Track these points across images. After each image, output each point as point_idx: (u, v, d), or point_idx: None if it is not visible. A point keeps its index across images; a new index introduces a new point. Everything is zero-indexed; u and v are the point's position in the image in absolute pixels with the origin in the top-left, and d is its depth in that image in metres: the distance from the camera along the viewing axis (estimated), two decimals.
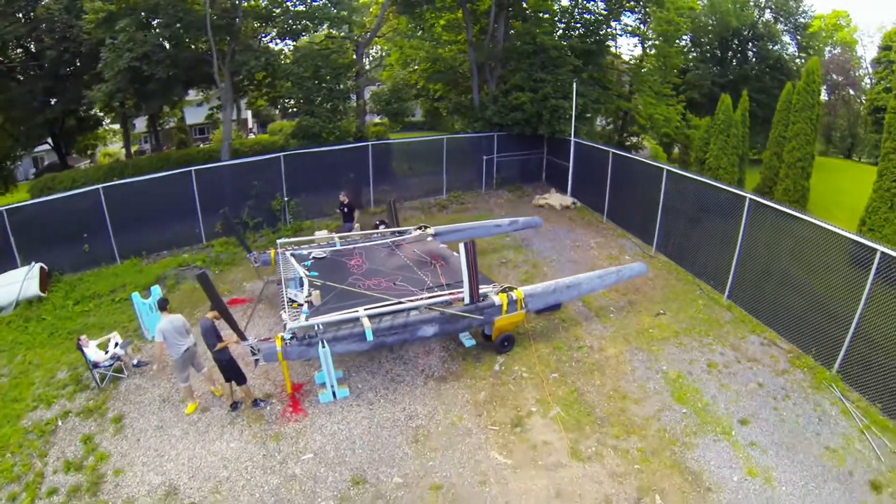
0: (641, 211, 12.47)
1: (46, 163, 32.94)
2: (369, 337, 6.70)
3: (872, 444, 6.21)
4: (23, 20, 18.12)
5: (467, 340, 8.18)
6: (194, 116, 34.06)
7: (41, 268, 11.13)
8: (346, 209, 11.91)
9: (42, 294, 10.78)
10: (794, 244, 8.41)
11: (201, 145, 31.20)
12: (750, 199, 8.95)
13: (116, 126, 29.71)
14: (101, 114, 22.51)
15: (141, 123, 32.10)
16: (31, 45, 18.96)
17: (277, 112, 35.66)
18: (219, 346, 6.49)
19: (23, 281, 10.70)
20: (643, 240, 12.51)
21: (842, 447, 6.18)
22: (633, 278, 9.45)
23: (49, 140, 23.40)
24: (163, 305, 6.93)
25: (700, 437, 6.30)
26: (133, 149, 28.21)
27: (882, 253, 6.72)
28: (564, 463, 5.95)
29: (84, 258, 12.09)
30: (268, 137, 27.10)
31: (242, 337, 6.50)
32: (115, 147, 35.40)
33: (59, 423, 7.09)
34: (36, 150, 27.68)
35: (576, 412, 6.76)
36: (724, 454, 6.06)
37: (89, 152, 30.50)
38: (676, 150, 26.39)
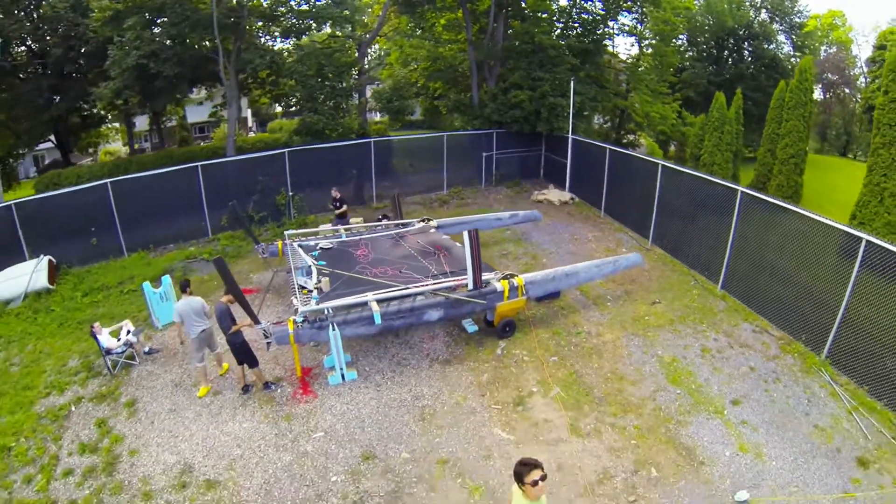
0: (638, 205, 12.74)
1: (47, 161, 33.10)
2: (377, 320, 6.99)
3: (860, 423, 6.46)
4: (26, 19, 18.32)
5: (470, 326, 8.47)
6: (195, 115, 34.27)
7: (49, 260, 11.32)
8: (338, 204, 12.20)
9: (50, 286, 10.96)
10: (784, 236, 8.70)
11: (202, 144, 31.44)
12: (742, 192, 9.23)
13: (117, 125, 29.96)
14: (104, 112, 22.70)
15: (141, 123, 32.30)
16: (37, 44, 19.14)
17: (280, 108, 35.89)
18: (233, 328, 6.74)
19: (31, 273, 10.87)
20: (640, 233, 12.80)
21: (830, 426, 6.44)
22: (630, 269, 9.74)
23: (52, 138, 23.59)
24: (184, 287, 7.20)
25: (693, 416, 6.59)
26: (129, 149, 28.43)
27: (867, 241, 6.99)
28: (565, 439, 6.23)
29: (92, 251, 12.31)
30: (268, 136, 27.33)
31: (256, 320, 6.76)
32: (116, 145, 35.62)
33: (73, 409, 7.27)
34: (37, 148, 27.84)
35: (575, 392, 7.05)
36: (717, 431, 6.34)
37: (91, 150, 30.67)
38: (673, 148, 26.77)
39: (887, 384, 6.74)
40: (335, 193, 12.32)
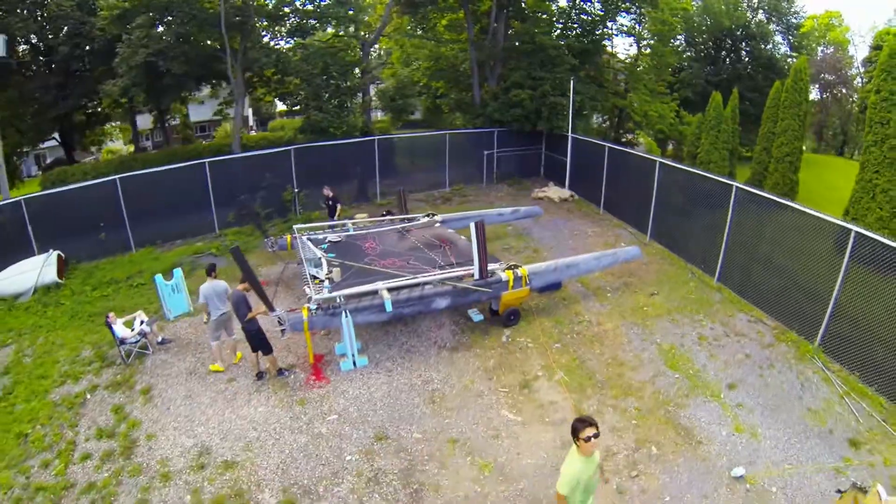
0: (636, 202, 12.99)
1: (49, 160, 33.20)
2: (388, 307, 7.26)
3: (851, 407, 6.73)
4: (32, 17, 18.46)
5: (475, 315, 8.77)
6: (197, 114, 34.49)
7: (58, 255, 11.46)
8: (330, 203, 12.01)
9: (60, 280, 11.09)
10: (777, 229, 8.99)
11: (203, 142, 31.62)
12: (736, 187, 9.53)
13: (117, 123, 30.08)
14: (109, 110, 22.86)
15: (143, 122, 32.47)
16: (43, 42, 19.30)
17: (282, 107, 36.12)
18: (249, 315, 6.99)
19: (41, 268, 11.00)
20: (638, 229, 13.09)
21: (823, 409, 6.71)
22: (629, 261, 10.03)
23: (56, 136, 23.72)
24: (209, 271, 7.55)
25: (691, 399, 6.88)
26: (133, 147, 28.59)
27: (856, 233, 7.25)
28: (569, 419, 6.37)
29: (100, 246, 12.45)
30: (272, 134, 27.56)
31: (271, 308, 7.01)
32: (117, 144, 35.80)
33: (88, 396, 7.43)
34: (40, 146, 27.92)
35: (578, 377, 7.35)
36: (714, 413, 6.62)
37: (93, 149, 30.82)
38: (671, 147, 27.10)
39: (878, 370, 7.00)
40: (327, 192, 11.96)
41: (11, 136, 20.93)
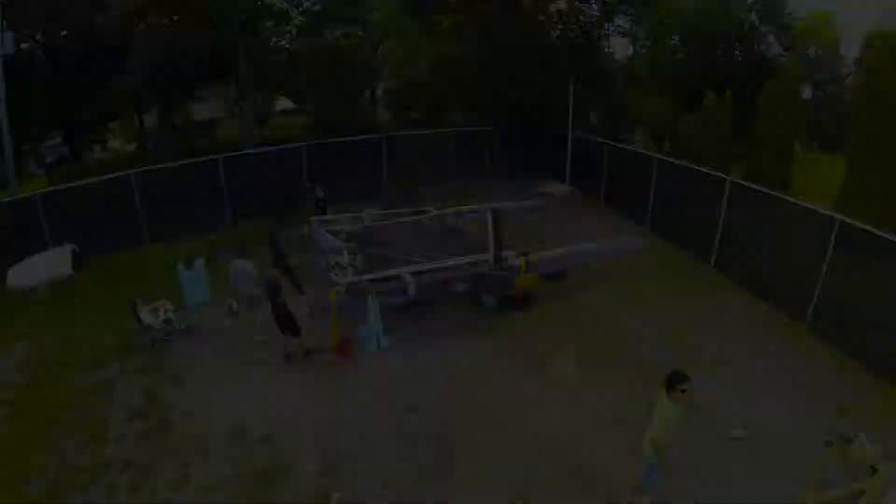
0: (635, 195, 13.54)
1: (49, 160, 33.00)
2: (412, 291, 7.74)
3: (840, 379, 7.29)
4: (41, 14, 18.59)
5: (489, 300, 9.24)
6: (197, 113, 34.55)
7: (73, 249, 11.69)
8: (324, 205, 12.22)
9: (74, 274, 11.32)
10: (767, 220, 9.55)
11: (206, 140, 31.66)
12: (729, 181, 10.14)
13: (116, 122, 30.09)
14: (120, 108, 22.94)
15: (146, 121, 32.45)
16: (52, 39, 19.44)
17: (293, 104, 36.14)
18: (280, 298, 7.41)
19: (55, 261, 11.09)
20: (637, 221, 13.61)
21: (812, 381, 7.27)
22: (630, 251, 10.59)
23: (61, 134, 23.79)
24: (241, 252, 7.92)
25: (690, 371, 7.37)
26: (135, 147, 28.57)
27: (840, 221, 7.84)
28: (581, 389, 7.09)
29: (114, 240, 12.61)
30: (278, 132, 27.71)
31: (301, 291, 7.46)
32: (116, 143, 35.72)
33: (117, 381, 7.69)
34: (42, 146, 27.82)
35: (586, 352, 7.90)
36: (712, 383, 7.03)
37: (95, 147, 30.78)
38: (667, 145, 27.69)
39: (864, 347, 7.55)
40: (319, 193, 12.07)
41: (15, 135, 21.00)
